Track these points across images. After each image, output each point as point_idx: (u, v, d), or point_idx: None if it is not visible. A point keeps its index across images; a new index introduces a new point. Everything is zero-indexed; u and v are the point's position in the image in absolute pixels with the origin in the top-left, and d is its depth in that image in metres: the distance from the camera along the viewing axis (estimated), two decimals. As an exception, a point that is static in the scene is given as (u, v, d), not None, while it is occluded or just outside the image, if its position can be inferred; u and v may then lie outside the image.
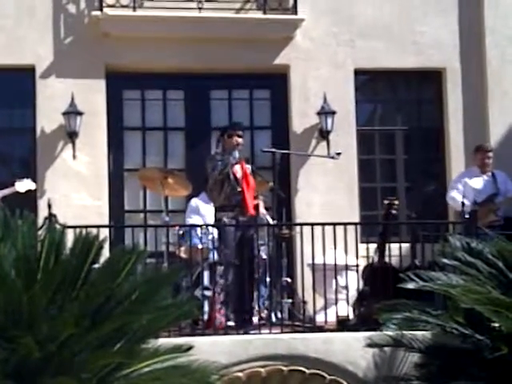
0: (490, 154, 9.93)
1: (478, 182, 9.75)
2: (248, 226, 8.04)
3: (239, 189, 8.04)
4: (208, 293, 8.11)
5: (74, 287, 5.49)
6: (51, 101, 10.27)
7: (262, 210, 8.44)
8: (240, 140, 8.17)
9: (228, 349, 7.32)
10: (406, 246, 8.39)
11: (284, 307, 8.64)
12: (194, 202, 9.46)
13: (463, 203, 8.35)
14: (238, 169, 8.11)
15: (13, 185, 9.00)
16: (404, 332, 7.05)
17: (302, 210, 10.51)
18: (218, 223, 8.15)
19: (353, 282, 8.31)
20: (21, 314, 5.21)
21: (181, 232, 8.66)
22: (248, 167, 8.25)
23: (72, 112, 10.20)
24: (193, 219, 9.27)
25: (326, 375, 7.52)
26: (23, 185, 9.03)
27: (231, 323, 7.71)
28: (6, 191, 8.88)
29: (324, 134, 10.63)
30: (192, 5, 10.50)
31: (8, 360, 5.13)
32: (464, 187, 9.54)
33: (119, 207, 10.51)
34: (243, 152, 8.50)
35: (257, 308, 7.99)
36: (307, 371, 7.50)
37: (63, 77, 10.34)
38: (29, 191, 9.13)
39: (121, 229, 9.61)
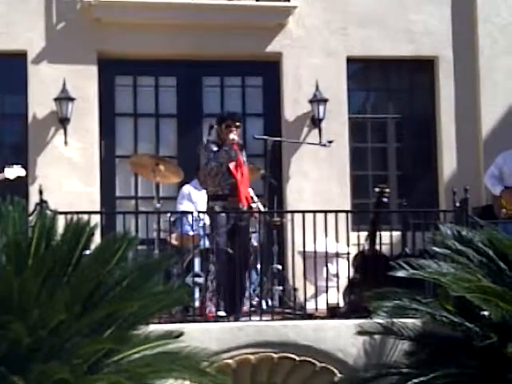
0: None
1: None
2: (241, 213, 8.02)
3: (233, 180, 8.01)
4: (199, 280, 8.11)
5: (64, 273, 5.49)
6: (43, 86, 10.24)
7: (256, 205, 8.44)
8: (236, 137, 8.06)
9: (218, 336, 7.34)
10: (396, 234, 8.42)
11: (275, 294, 8.66)
12: (186, 188, 9.46)
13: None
14: (232, 164, 8.05)
15: (2, 171, 8.97)
16: (394, 320, 7.06)
17: (294, 197, 10.52)
18: (209, 211, 8.12)
19: (343, 270, 8.32)
20: (11, 299, 5.21)
21: (172, 219, 8.65)
22: (243, 156, 8.18)
23: (64, 98, 10.18)
24: (184, 206, 9.27)
25: (316, 362, 7.54)
26: (13, 171, 9.00)
27: (222, 313, 7.70)
28: (-4, 177, 8.86)
29: (316, 122, 10.63)
30: (185, -9, 10.48)
31: (-2, 346, 5.14)
32: (500, 170, 9.21)
33: (110, 194, 10.50)
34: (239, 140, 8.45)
35: (247, 295, 7.99)
36: (297, 358, 7.52)
37: (55, 62, 10.31)
38: (18, 178, 9.10)
39: (112, 215, 9.62)
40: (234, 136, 8.02)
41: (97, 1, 10.30)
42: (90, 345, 5.30)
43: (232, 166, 8.02)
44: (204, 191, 8.56)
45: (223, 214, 7.92)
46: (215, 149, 8.05)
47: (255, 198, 8.60)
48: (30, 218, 6.09)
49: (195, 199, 9.29)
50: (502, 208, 8.97)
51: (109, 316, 5.45)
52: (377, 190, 8.55)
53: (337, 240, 8.12)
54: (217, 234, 7.90)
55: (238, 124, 8.14)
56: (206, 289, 7.84)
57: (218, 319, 7.62)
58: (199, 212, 8.45)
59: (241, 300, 7.91)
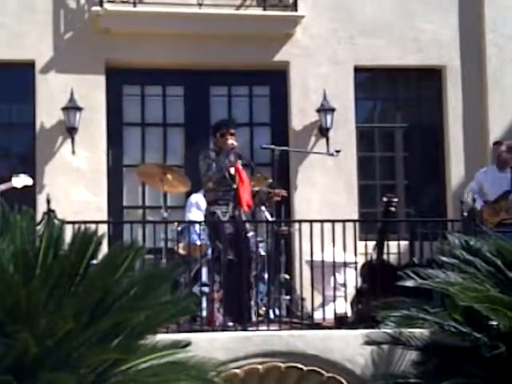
0: (503, 149, 9.52)
1: (494, 179, 9.39)
2: (245, 222, 8.01)
3: (234, 185, 8.01)
4: (206, 289, 8.10)
5: (72, 283, 5.48)
6: (51, 96, 10.27)
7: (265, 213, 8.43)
8: (234, 142, 8.05)
9: (226, 345, 7.32)
10: (404, 243, 8.40)
11: (282, 304, 8.65)
12: (194, 197, 9.46)
13: (474, 199, 8.34)
14: (231, 169, 8.05)
15: (9, 180, 8.99)
16: (402, 330, 7.05)
17: (301, 206, 10.51)
18: (211, 217, 8.08)
19: (351, 280, 8.31)
20: (19, 309, 5.21)
21: (179, 228, 8.66)
22: (239, 162, 8.16)
23: (71, 107, 10.20)
24: (193, 214, 9.26)
25: (323, 372, 7.53)
26: (20, 180, 9.02)
27: (230, 323, 7.69)
28: (3, 186, 8.88)
29: (323, 131, 10.63)
30: (192, 1, 10.49)
31: (6, 355, 5.13)
32: (480, 186, 9.37)
33: (118, 203, 10.51)
34: (240, 148, 8.43)
35: (254, 304, 7.97)
36: (305, 368, 7.50)
37: (63, 72, 10.34)
38: (26, 187, 9.12)
39: (119, 225, 9.61)
40: (232, 141, 8.03)
41: (104, 10, 10.33)
42: (97, 354, 5.29)
43: (232, 171, 8.02)
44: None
45: (225, 220, 7.90)
46: (214, 159, 8.03)
47: (262, 208, 8.59)
48: (38, 227, 6.09)
49: (203, 208, 9.28)
50: (483, 221, 8.93)
51: (116, 325, 5.44)
52: (384, 199, 8.54)
53: (344, 249, 8.11)
54: (220, 242, 7.87)
55: (232, 131, 8.11)
56: (212, 299, 7.82)
57: (225, 328, 7.61)
58: (206, 222, 8.44)
59: (247, 308, 7.90)
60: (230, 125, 8.21)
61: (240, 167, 8.10)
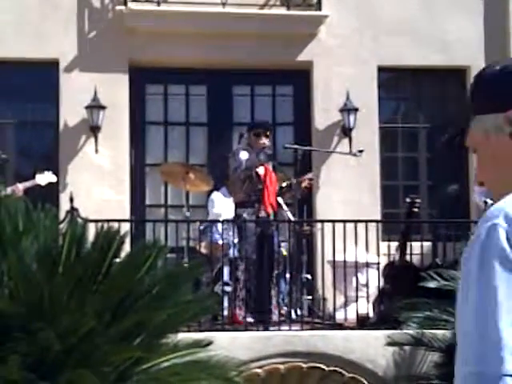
0: None
1: None
2: (268, 222, 8.02)
3: (260, 186, 8.02)
4: (228, 288, 8.11)
5: (94, 281, 5.50)
6: (74, 94, 10.30)
7: (283, 206, 8.42)
8: (267, 142, 8.14)
9: (247, 345, 7.32)
10: (427, 244, 8.36)
11: (304, 304, 8.63)
12: (215, 195, 9.46)
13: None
14: (261, 169, 8.08)
15: (33, 178, 9.03)
16: (424, 331, 7.03)
17: (324, 206, 10.49)
18: (237, 219, 8.13)
19: (373, 280, 8.29)
20: (42, 307, 5.23)
21: (202, 227, 8.67)
22: (270, 164, 8.21)
23: (95, 106, 10.24)
24: (216, 209, 9.25)
25: (345, 373, 7.51)
26: (44, 177, 9.06)
27: (250, 319, 7.70)
28: (27, 184, 8.92)
29: (346, 131, 10.60)
30: (216, 0, 10.50)
31: (29, 352, 5.15)
32: None
33: (140, 202, 10.53)
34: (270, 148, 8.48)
35: (275, 304, 7.98)
36: (326, 368, 7.49)
37: (87, 71, 10.38)
38: (49, 184, 9.16)
39: (142, 223, 9.64)
40: (265, 140, 8.08)
41: (128, 9, 10.36)
42: (119, 353, 5.30)
43: (261, 170, 8.03)
44: (232, 199, 8.55)
45: (250, 220, 7.92)
46: (245, 156, 8.08)
47: (285, 207, 8.58)
48: (61, 225, 6.12)
49: (224, 206, 9.29)
50: None
51: (138, 324, 5.45)
52: (408, 200, 8.52)
53: (367, 250, 8.09)
54: (245, 243, 7.90)
55: (267, 133, 8.17)
56: (235, 297, 7.84)
57: (247, 327, 7.61)
58: (228, 221, 8.45)
59: (269, 307, 7.90)
60: (267, 126, 8.34)
61: (270, 168, 8.13)
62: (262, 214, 8.04)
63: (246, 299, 7.78)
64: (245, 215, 8.04)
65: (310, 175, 8.67)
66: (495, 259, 1.65)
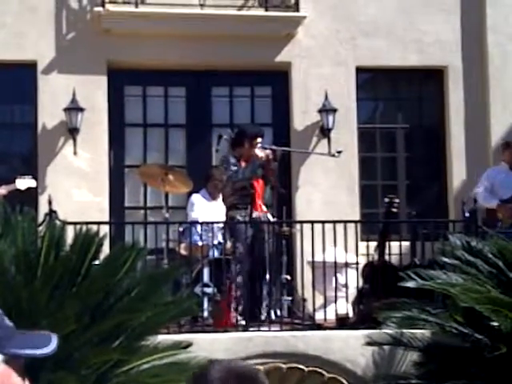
0: None
1: (505, 179, 9.36)
2: (246, 223, 8.01)
3: (252, 191, 8.03)
4: (208, 290, 8.11)
5: (73, 283, 5.50)
6: (52, 97, 10.27)
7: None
8: (263, 155, 7.96)
9: (227, 346, 7.33)
10: (406, 244, 8.40)
11: (283, 305, 8.64)
12: (195, 197, 9.46)
13: (475, 200, 8.35)
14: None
15: (13, 182, 8.99)
16: (403, 330, 7.05)
17: (303, 207, 10.51)
18: (230, 221, 8.11)
19: (353, 280, 8.31)
20: (21, 309, 5.22)
21: (181, 229, 8.66)
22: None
23: (73, 108, 10.20)
24: (195, 213, 9.25)
25: (325, 373, 7.53)
26: (24, 182, 9.02)
27: (242, 322, 7.70)
28: (7, 188, 8.87)
29: (325, 132, 10.63)
30: (194, 1, 10.50)
31: (7, 356, 5.14)
32: (492, 184, 9.31)
33: (119, 203, 10.51)
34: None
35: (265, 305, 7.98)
36: (306, 369, 7.51)
37: (65, 73, 10.34)
38: (29, 188, 9.12)
39: (121, 225, 9.62)
40: (262, 154, 7.95)
41: (106, 11, 10.33)
42: (98, 355, 5.30)
43: (255, 183, 8.05)
44: (213, 201, 8.54)
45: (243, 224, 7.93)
46: (233, 167, 8.00)
47: (264, 208, 8.59)
48: (40, 228, 6.10)
49: (204, 209, 9.29)
50: (498, 221, 8.90)
51: (118, 326, 5.45)
52: (386, 200, 8.55)
53: (346, 250, 8.12)
54: (238, 244, 7.90)
55: (259, 140, 8.13)
56: (229, 298, 7.81)
57: (237, 328, 7.61)
58: (207, 222, 8.45)
59: (259, 309, 7.91)
60: (261, 135, 8.18)
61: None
62: (254, 215, 8.04)
63: (238, 301, 7.77)
64: (238, 217, 8.02)
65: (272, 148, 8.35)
66: None
